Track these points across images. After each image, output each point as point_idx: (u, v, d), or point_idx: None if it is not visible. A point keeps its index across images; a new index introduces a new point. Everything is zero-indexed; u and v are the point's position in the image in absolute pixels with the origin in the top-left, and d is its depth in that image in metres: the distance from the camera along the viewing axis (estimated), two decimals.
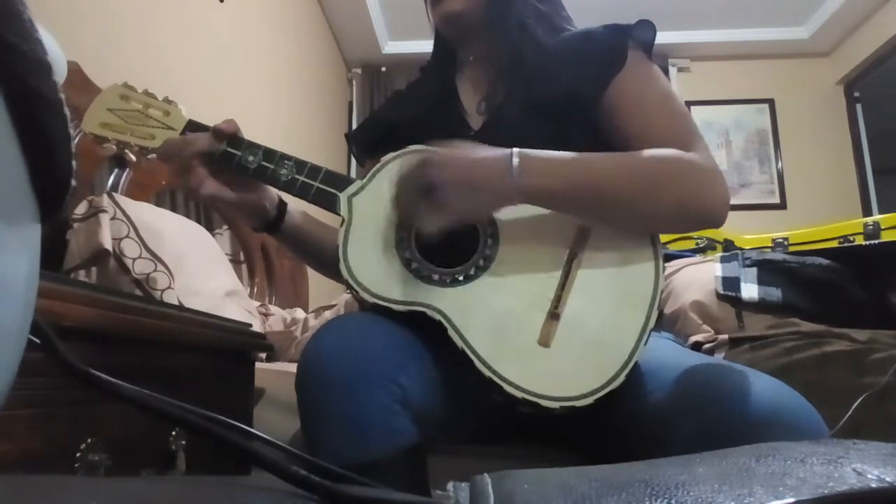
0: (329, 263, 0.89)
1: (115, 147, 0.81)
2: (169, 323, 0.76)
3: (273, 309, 1.98)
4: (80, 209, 1.19)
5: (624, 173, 0.72)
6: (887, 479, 0.23)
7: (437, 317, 0.69)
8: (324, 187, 0.78)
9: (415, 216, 0.71)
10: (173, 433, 0.74)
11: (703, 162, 0.74)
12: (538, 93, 0.82)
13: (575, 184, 0.70)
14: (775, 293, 1.41)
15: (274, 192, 0.87)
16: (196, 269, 1.38)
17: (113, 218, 1.20)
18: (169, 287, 1.21)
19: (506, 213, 0.74)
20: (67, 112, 0.23)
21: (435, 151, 0.69)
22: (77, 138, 1.15)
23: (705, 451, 0.32)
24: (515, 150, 0.70)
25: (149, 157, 0.82)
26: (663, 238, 0.77)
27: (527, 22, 0.87)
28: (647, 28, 0.81)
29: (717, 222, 0.74)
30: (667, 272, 1.61)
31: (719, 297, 1.46)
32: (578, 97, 0.80)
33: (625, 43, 0.81)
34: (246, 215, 0.86)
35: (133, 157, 0.83)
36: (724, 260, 1.54)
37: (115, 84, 0.83)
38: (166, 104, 0.83)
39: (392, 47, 3.80)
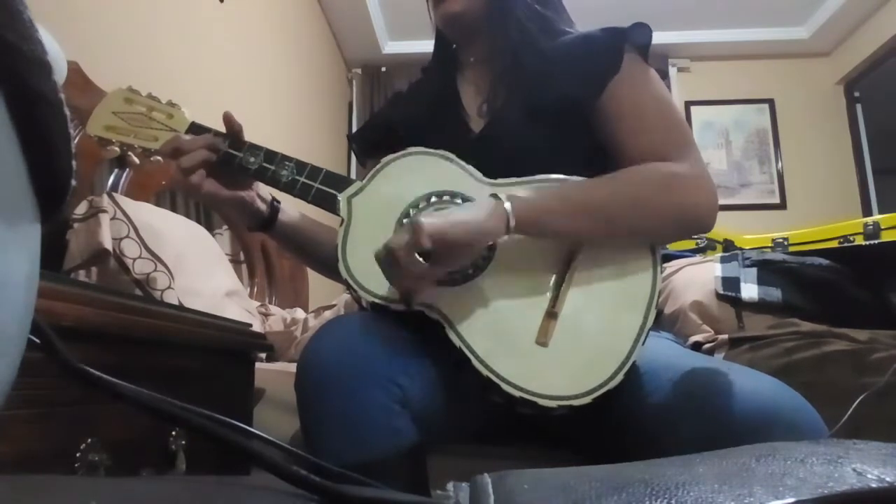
0: (326, 262, 0.89)
1: (118, 150, 0.82)
2: (169, 323, 0.76)
3: (273, 309, 1.98)
4: (80, 209, 1.19)
5: (614, 204, 0.73)
6: (887, 479, 0.23)
7: (436, 316, 0.69)
8: (323, 188, 0.78)
9: (404, 286, 0.67)
10: (173, 433, 0.74)
11: (689, 172, 0.75)
12: (537, 96, 0.82)
13: (566, 219, 0.71)
14: (775, 293, 1.41)
15: (267, 191, 0.88)
16: (196, 269, 1.38)
17: (113, 218, 1.20)
18: (169, 287, 1.21)
19: None
20: (67, 112, 0.23)
21: (427, 225, 0.63)
22: (77, 138, 1.15)
23: (705, 451, 0.32)
24: (507, 204, 0.68)
25: (152, 159, 0.82)
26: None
27: (526, 24, 0.87)
28: (642, 30, 0.81)
29: (706, 229, 0.76)
30: (666, 272, 1.61)
31: (719, 297, 1.46)
32: (575, 100, 0.81)
33: (620, 46, 0.81)
34: (241, 213, 0.86)
35: (136, 160, 0.83)
36: (723, 260, 1.54)
37: (119, 88, 0.84)
38: (169, 107, 0.84)
39: (392, 47, 3.79)
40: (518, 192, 0.71)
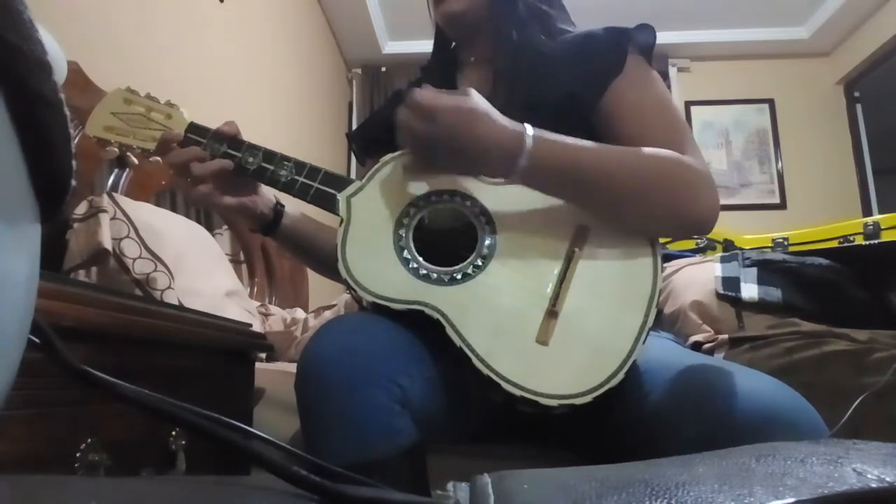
0: (327, 264, 0.89)
1: (117, 150, 0.82)
2: (169, 323, 0.76)
3: (273, 309, 1.98)
4: (80, 209, 1.19)
5: (623, 167, 0.72)
6: (887, 479, 0.23)
7: (436, 315, 0.69)
8: (323, 188, 0.78)
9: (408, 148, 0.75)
10: (173, 433, 0.74)
11: (698, 166, 0.74)
12: (538, 95, 0.82)
13: (576, 166, 0.71)
14: (775, 293, 1.41)
15: (271, 194, 0.87)
16: (196, 269, 1.38)
17: (113, 218, 1.20)
18: (169, 287, 1.21)
19: (504, 211, 0.74)
20: (67, 112, 0.23)
21: (447, 106, 0.68)
22: (77, 138, 1.15)
23: (705, 451, 0.32)
24: (530, 132, 0.70)
25: (151, 159, 0.83)
26: (663, 238, 0.78)
27: (527, 24, 0.87)
28: (647, 32, 0.81)
29: (707, 228, 0.75)
30: (666, 272, 1.61)
31: (719, 297, 1.46)
32: (577, 100, 0.81)
33: (624, 47, 0.81)
34: (243, 218, 0.86)
35: (135, 160, 0.83)
36: (723, 260, 1.54)
37: (118, 88, 0.84)
38: (168, 107, 0.84)
39: (392, 47, 3.80)
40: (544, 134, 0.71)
